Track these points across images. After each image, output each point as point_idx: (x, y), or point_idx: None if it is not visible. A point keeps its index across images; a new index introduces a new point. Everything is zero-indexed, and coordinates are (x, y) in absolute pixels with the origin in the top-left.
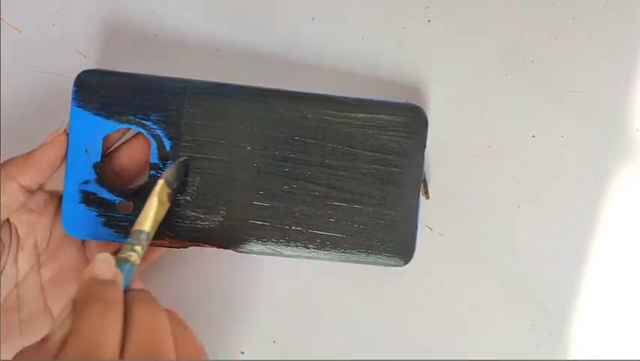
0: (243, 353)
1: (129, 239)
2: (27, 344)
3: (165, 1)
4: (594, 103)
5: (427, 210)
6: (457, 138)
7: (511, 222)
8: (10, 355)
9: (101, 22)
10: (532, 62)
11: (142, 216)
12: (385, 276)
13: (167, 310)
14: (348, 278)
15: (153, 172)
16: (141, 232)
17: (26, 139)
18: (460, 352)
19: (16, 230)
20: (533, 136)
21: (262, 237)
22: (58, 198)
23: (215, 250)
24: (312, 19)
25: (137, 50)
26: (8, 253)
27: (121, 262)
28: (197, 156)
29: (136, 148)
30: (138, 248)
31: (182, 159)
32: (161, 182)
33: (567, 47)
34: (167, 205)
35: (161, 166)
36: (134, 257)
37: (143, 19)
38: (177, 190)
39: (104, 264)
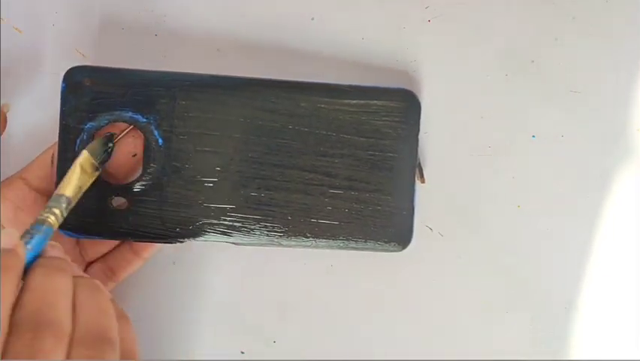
0: (243, 353)
1: (49, 203)
2: None
3: (165, 1)
4: (594, 103)
5: (427, 211)
6: (457, 137)
7: (511, 222)
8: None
9: (101, 22)
10: (532, 62)
11: (64, 181)
12: (385, 276)
13: (79, 276)
14: (348, 278)
15: (146, 167)
16: (61, 195)
17: (26, 139)
18: (460, 352)
19: (4, 229)
20: (533, 136)
21: (260, 228)
22: (48, 197)
23: (214, 247)
24: (312, 19)
25: (137, 50)
26: None
27: (37, 223)
28: (191, 148)
29: (128, 144)
30: (57, 211)
31: (107, 134)
32: (84, 152)
33: (567, 47)
34: (91, 176)
35: (154, 161)
36: (52, 219)
37: (143, 19)
38: (102, 163)
39: (6, 236)
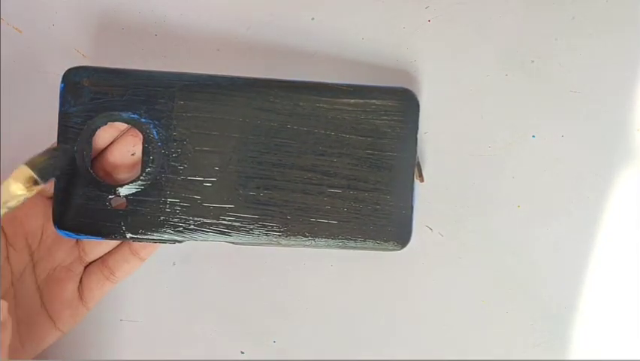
0: (243, 353)
1: None
2: (24, 342)
3: (165, 1)
4: (594, 103)
5: (427, 211)
6: (457, 137)
7: (511, 222)
8: (6, 354)
9: (101, 22)
10: (532, 62)
11: None
12: (385, 276)
13: None
14: (348, 279)
15: (145, 167)
16: None
17: (26, 139)
18: (460, 352)
19: (3, 228)
20: (533, 136)
21: (259, 227)
22: (47, 197)
23: (214, 247)
24: (312, 19)
25: (137, 50)
26: None
27: None
28: (190, 148)
29: (127, 143)
30: None
31: (55, 146)
32: (22, 166)
33: (567, 47)
34: (29, 191)
35: (153, 160)
36: None
37: (143, 19)
38: (47, 177)
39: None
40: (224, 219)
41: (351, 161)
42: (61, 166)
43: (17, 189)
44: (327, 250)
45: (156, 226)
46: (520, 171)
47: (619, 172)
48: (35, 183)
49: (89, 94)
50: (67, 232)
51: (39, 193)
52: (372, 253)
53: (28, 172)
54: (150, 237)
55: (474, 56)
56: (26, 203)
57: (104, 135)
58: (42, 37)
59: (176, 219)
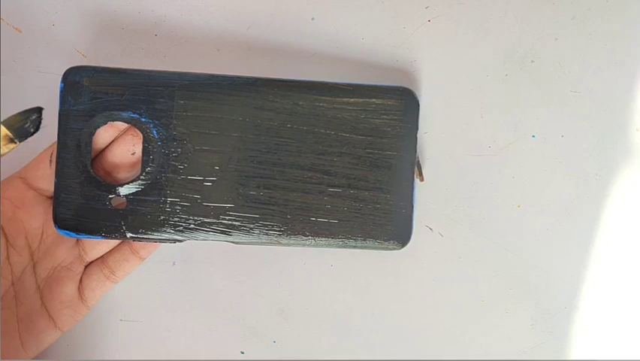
0: (243, 353)
1: None
2: (24, 342)
3: (165, 1)
4: (594, 103)
5: (427, 210)
6: (457, 137)
7: (511, 222)
8: (7, 354)
9: (101, 23)
10: (532, 62)
11: None
12: (385, 276)
13: None
14: (347, 278)
15: (145, 166)
16: None
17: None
18: (460, 352)
19: (3, 228)
20: (533, 136)
21: (259, 226)
22: (47, 197)
23: (214, 247)
24: (312, 19)
25: (137, 50)
26: None
27: None
28: (190, 147)
29: (127, 143)
30: None
31: (32, 108)
32: None
33: (567, 47)
34: (5, 148)
35: (153, 160)
36: None
37: (143, 19)
38: (23, 136)
39: None
40: (225, 219)
41: (352, 160)
42: (37, 127)
43: None
44: (327, 250)
45: (156, 225)
46: (520, 171)
47: (619, 172)
48: (11, 141)
49: (89, 94)
50: (67, 232)
51: (39, 193)
52: (372, 252)
53: (5, 131)
54: (150, 236)
55: (474, 56)
56: (26, 203)
57: (104, 135)
58: (42, 37)
59: (177, 219)
